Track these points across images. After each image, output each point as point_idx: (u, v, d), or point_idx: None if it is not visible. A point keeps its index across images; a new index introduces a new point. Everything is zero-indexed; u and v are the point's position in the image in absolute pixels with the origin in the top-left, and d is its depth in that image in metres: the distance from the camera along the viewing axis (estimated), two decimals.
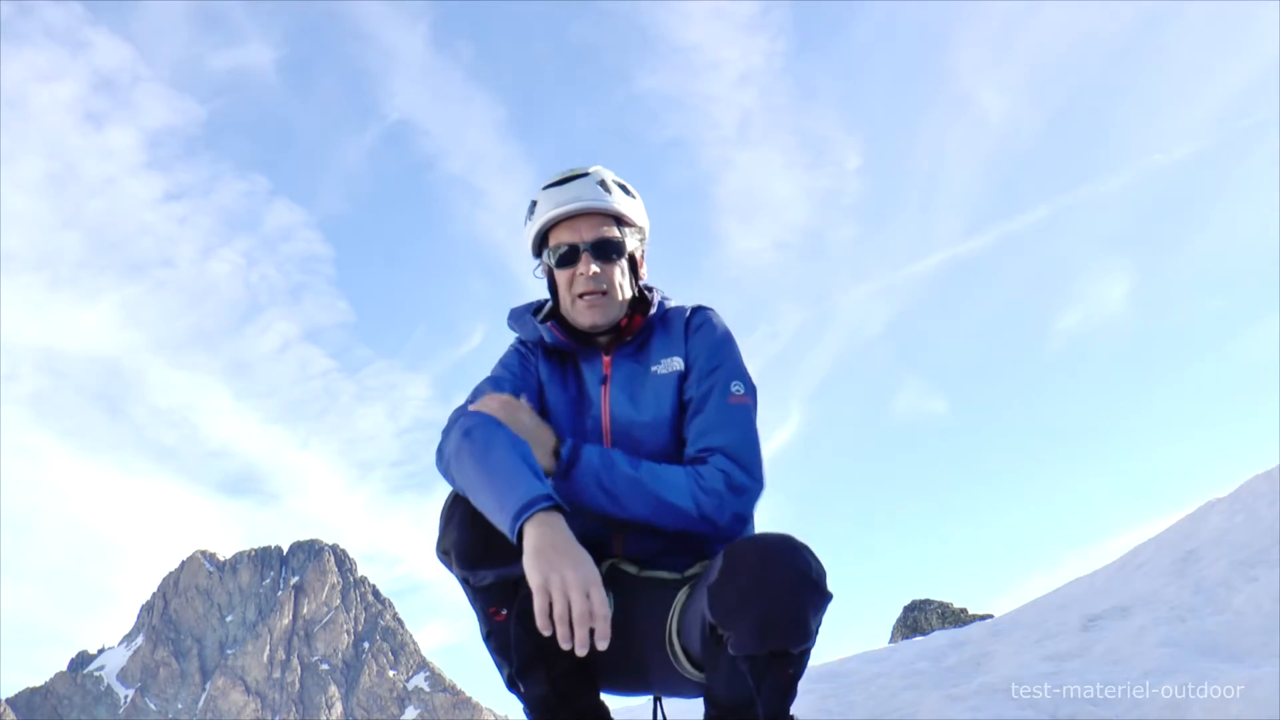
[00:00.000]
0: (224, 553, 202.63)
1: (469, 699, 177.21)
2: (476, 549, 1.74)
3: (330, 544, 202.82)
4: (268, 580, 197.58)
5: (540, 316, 2.11)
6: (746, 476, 1.86)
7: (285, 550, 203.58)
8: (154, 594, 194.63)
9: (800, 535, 1.63)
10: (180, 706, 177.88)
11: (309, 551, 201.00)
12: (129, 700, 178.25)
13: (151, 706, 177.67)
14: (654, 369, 2.00)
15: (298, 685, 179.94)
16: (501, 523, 1.59)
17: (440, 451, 1.84)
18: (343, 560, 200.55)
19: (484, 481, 1.65)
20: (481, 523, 1.68)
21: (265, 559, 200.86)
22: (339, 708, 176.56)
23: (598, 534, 1.87)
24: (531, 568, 1.48)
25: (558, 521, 1.55)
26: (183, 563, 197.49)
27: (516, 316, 2.14)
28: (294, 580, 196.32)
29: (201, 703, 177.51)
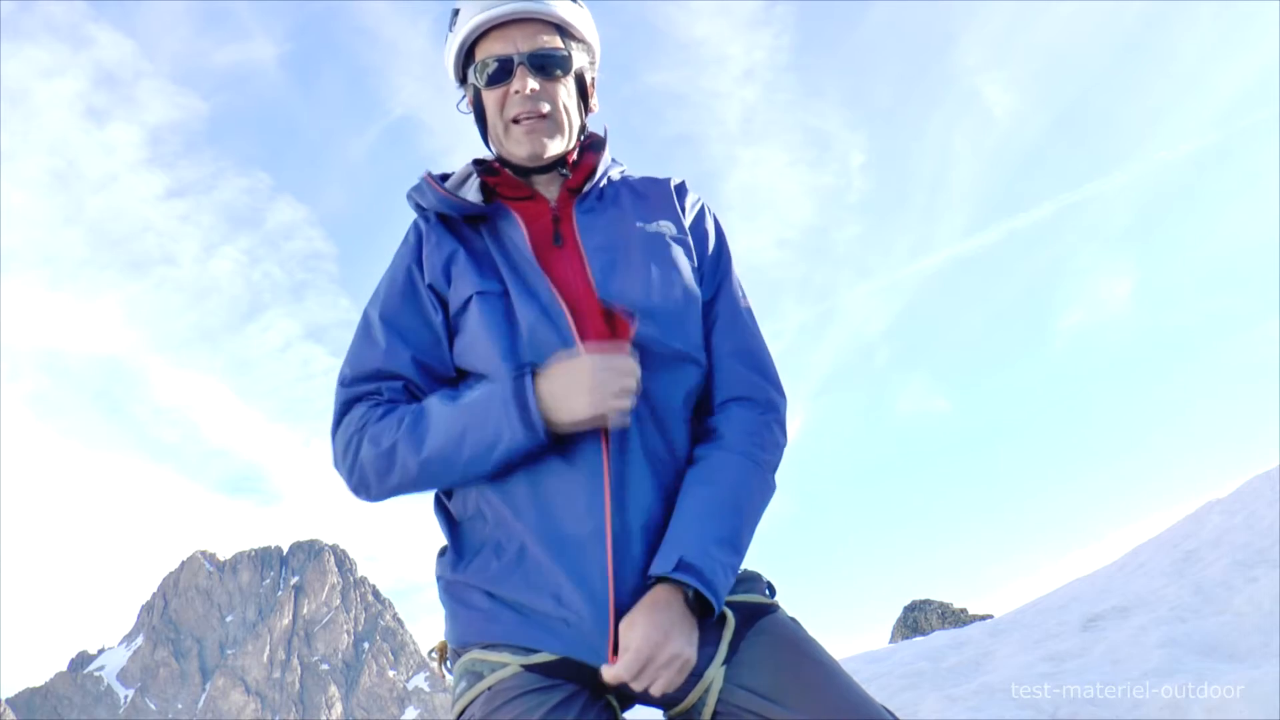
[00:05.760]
0: (224, 553, 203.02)
1: None
2: None
3: (330, 544, 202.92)
4: (268, 580, 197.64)
5: (448, 181, 1.53)
6: (786, 426, 1.49)
7: (285, 550, 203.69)
8: (154, 594, 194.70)
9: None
10: (180, 706, 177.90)
11: (309, 551, 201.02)
12: (129, 700, 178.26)
13: (151, 706, 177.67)
14: (639, 225, 1.48)
15: (298, 685, 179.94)
16: (513, 442, 1.28)
17: (353, 458, 1.37)
18: (343, 560, 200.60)
19: (451, 440, 1.30)
20: None
21: (265, 559, 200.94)
22: (339, 708, 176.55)
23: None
24: (569, 424, 1.27)
25: (540, 384, 1.28)
26: (183, 563, 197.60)
27: (419, 187, 1.51)
28: (294, 580, 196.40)
29: (201, 703, 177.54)
